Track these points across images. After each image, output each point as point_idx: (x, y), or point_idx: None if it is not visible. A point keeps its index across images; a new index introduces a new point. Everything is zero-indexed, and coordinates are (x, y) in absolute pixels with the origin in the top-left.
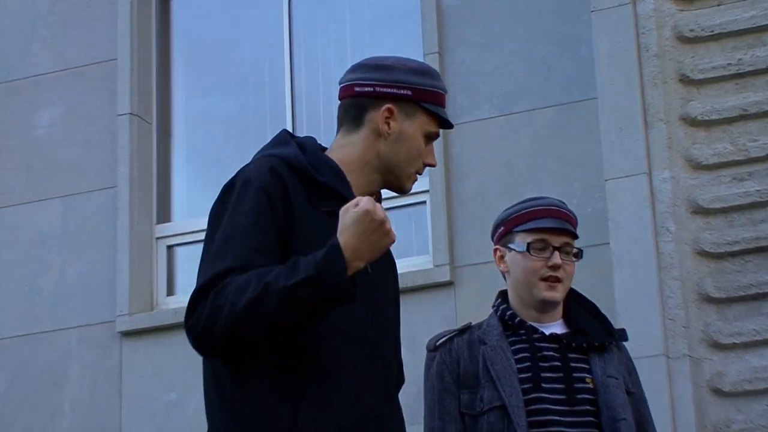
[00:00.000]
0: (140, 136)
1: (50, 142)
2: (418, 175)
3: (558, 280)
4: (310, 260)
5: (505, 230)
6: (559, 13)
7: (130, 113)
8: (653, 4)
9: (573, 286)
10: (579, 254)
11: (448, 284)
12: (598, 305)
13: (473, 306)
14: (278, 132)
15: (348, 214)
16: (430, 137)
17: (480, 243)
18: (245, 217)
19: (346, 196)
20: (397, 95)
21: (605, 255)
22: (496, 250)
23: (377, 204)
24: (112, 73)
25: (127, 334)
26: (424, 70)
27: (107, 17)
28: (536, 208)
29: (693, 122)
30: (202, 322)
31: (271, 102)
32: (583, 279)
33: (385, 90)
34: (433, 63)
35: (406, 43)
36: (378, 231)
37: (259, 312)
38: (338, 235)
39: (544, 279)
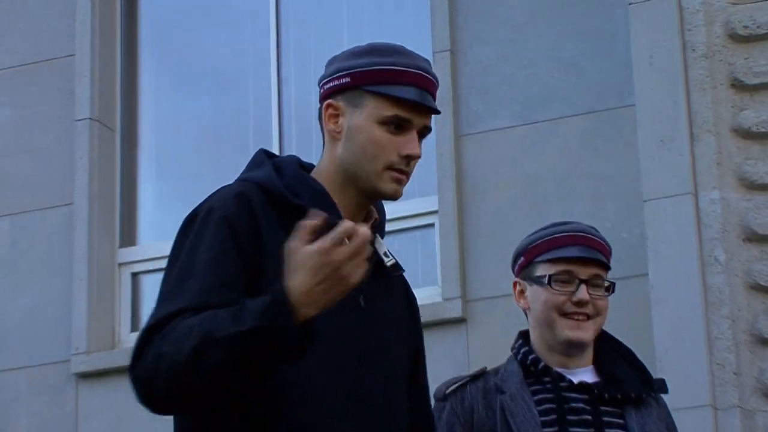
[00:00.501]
0: (101, 144)
1: None
2: (400, 174)
3: (587, 317)
4: (255, 306)
5: (525, 261)
6: (591, 6)
7: (90, 118)
8: None
9: (606, 326)
10: (611, 288)
11: (460, 321)
12: (633, 348)
13: (488, 346)
14: (255, 152)
15: (297, 253)
16: (397, 123)
17: (496, 273)
18: (205, 252)
19: (332, 221)
20: (338, 87)
21: (643, 288)
22: (515, 283)
23: (337, 239)
24: (69, 71)
25: (84, 375)
26: (366, 50)
27: (64, 7)
28: (560, 235)
29: (746, 134)
30: (144, 372)
31: (255, 105)
32: (616, 317)
33: (327, 86)
34: (444, 62)
35: (413, 38)
36: (333, 275)
37: (202, 365)
38: (286, 276)
39: (568, 316)
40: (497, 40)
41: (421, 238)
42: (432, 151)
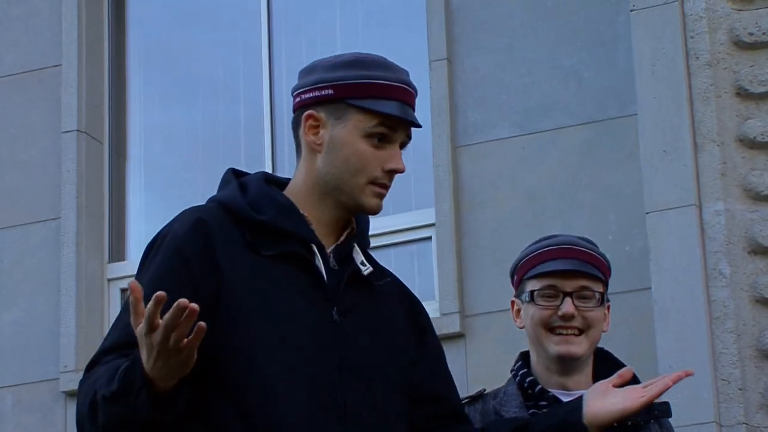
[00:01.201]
0: (89, 156)
1: None
2: (381, 188)
3: (578, 331)
4: (122, 367)
5: (518, 279)
6: (592, 13)
7: (78, 130)
8: (705, 3)
9: (608, 342)
10: (602, 298)
11: (458, 336)
12: (636, 364)
13: (488, 363)
14: (224, 172)
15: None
16: (381, 137)
17: (495, 288)
18: (149, 285)
19: (298, 234)
20: (319, 98)
21: (645, 302)
22: (512, 302)
23: (150, 321)
24: (56, 82)
25: (73, 394)
26: (350, 61)
27: (50, 15)
28: (544, 250)
29: (752, 144)
30: (77, 416)
31: (247, 113)
32: (619, 331)
33: (306, 96)
34: (441, 72)
35: (408, 47)
36: (161, 354)
37: (95, 421)
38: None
39: (556, 331)
40: (495, 48)
41: (417, 251)
42: (428, 163)
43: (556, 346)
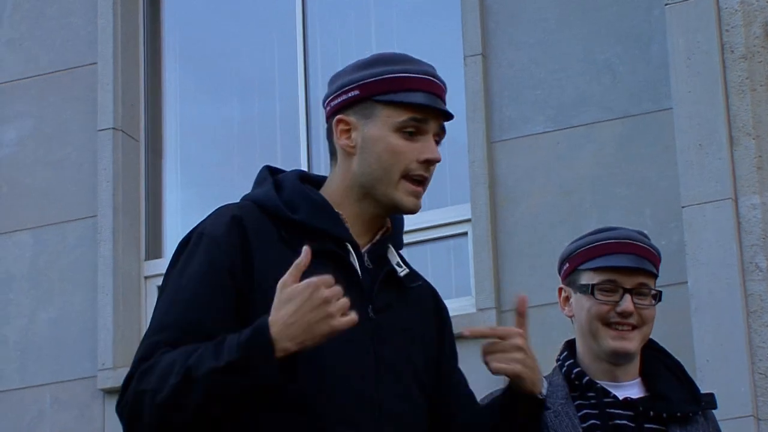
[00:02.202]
0: (125, 154)
1: (17, 163)
2: (417, 185)
3: (632, 327)
4: (234, 340)
5: (570, 267)
6: (626, 7)
7: (114, 128)
8: None
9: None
10: (658, 296)
11: None
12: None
13: None
14: (260, 169)
15: (287, 287)
16: (413, 129)
17: (531, 283)
18: (191, 281)
19: (333, 232)
20: (346, 101)
21: (682, 297)
22: (560, 290)
23: (328, 281)
24: (92, 80)
25: (111, 391)
26: (372, 61)
27: (85, 13)
28: (606, 242)
29: None
30: (128, 408)
31: (282, 110)
32: (655, 326)
33: (335, 102)
34: (476, 66)
35: (443, 42)
36: (317, 310)
37: (184, 402)
38: (272, 310)
39: (612, 326)
40: (530, 43)
41: (453, 247)
42: (464, 158)
43: (612, 341)
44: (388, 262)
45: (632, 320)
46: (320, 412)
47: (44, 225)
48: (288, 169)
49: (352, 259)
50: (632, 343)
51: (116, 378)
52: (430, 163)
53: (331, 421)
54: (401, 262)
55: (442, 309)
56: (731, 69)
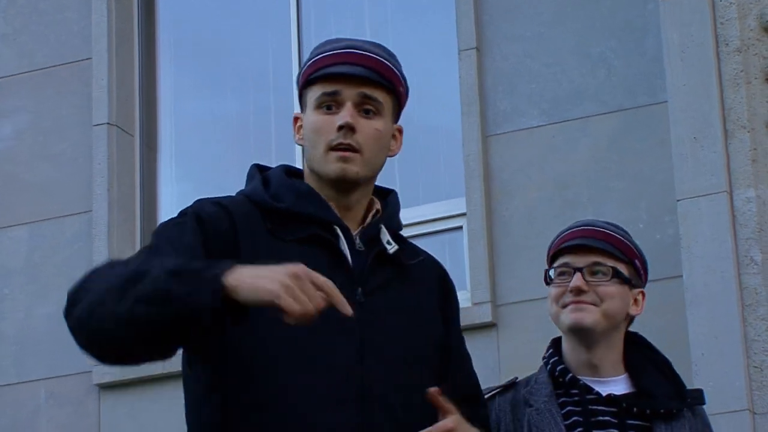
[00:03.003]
0: (120, 149)
1: (13, 157)
2: (342, 151)
3: (591, 304)
4: (208, 263)
5: (549, 265)
6: (620, 1)
7: (108, 123)
8: None
9: (640, 330)
10: (615, 273)
11: (490, 326)
12: (668, 351)
13: (520, 352)
14: (249, 167)
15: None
16: (330, 103)
17: (527, 276)
18: (164, 236)
19: (320, 217)
20: (300, 98)
21: (677, 290)
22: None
23: (315, 276)
24: (87, 75)
25: (106, 386)
26: (313, 53)
27: (80, 9)
28: (565, 233)
29: None
30: (70, 296)
31: (277, 102)
32: (651, 319)
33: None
34: (470, 61)
35: (437, 36)
36: (293, 288)
37: (122, 297)
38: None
39: (568, 306)
40: (524, 36)
41: (448, 241)
42: (459, 152)
43: (568, 314)
44: (379, 242)
45: (587, 298)
46: (303, 398)
47: (40, 220)
48: (283, 164)
49: (340, 244)
50: (589, 315)
51: (112, 373)
52: (343, 129)
53: (314, 406)
54: (392, 240)
55: (446, 285)
56: (726, 62)
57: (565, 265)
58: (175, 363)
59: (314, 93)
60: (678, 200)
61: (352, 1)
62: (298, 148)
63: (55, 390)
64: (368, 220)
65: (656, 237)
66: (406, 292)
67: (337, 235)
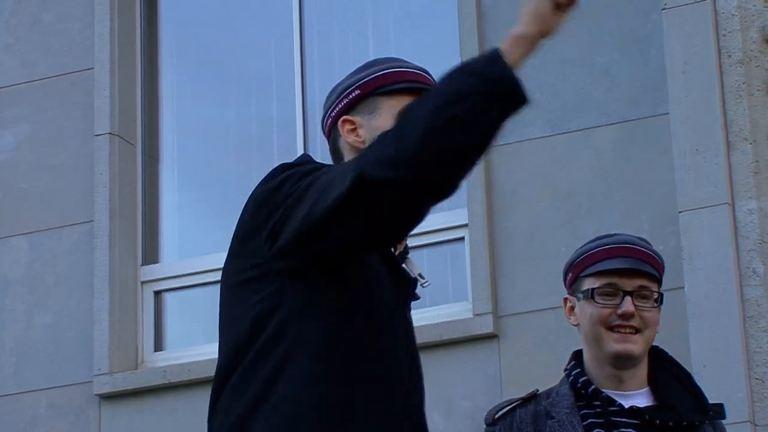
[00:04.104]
0: (122, 159)
1: (14, 167)
2: None
3: (634, 330)
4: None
5: (573, 276)
6: (624, 12)
7: (110, 133)
8: (737, 0)
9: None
10: (660, 299)
11: (491, 337)
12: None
13: (521, 363)
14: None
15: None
16: None
17: (529, 288)
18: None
19: None
20: (348, 104)
21: (679, 302)
22: (566, 299)
23: None
24: (89, 85)
25: (107, 397)
26: (369, 63)
27: (82, 19)
28: (604, 248)
29: None
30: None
31: (279, 110)
32: None
33: (337, 109)
34: None
35: (440, 47)
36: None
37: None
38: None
39: (614, 329)
40: None
41: (450, 252)
42: None
43: (615, 343)
44: (412, 268)
45: (634, 323)
46: (371, 412)
47: (41, 230)
48: None
49: (403, 263)
50: (635, 345)
51: (112, 383)
52: None
53: (379, 418)
54: (422, 274)
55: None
56: (728, 74)
57: (612, 286)
58: (176, 374)
59: (398, 104)
60: (680, 212)
61: (355, 9)
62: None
63: (55, 400)
64: (405, 242)
65: (658, 248)
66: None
67: (393, 253)
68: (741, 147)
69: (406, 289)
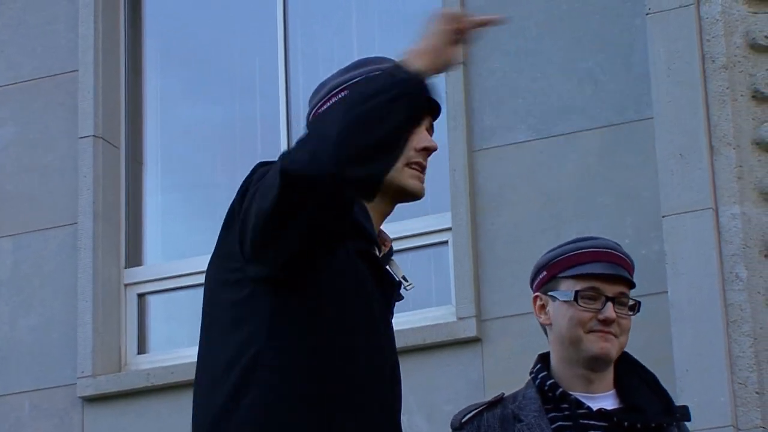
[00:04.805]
0: (106, 162)
1: None
2: (419, 170)
3: (614, 335)
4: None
5: (548, 275)
6: (608, 17)
7: (94, 135)
8: (721, 5)
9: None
10: (636, 307)
11: (474, 341)
12: (653, 368)
13: (504, 367)
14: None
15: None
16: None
17: (512, 292)
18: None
19: (371, 234)
20: None
21: (662, 306)
22: (536, 297)
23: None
24: (73, 87)
25: (91, 399)
26: (359, 63)
27: (67, 21)
28: (586, 251)
29: None
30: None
31: (263, 108)
32: (635, 335)
33: (323, 108)
34: (457, 75)
35: None
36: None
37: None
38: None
39: (594, 333)
40: (511, 51)
41: (434, 256)
42: (445, 167)
43: (595, 344)
44: (396, 271)
45: (612, 329)
46: (351, 414)
47: (25, 232)
48: None
49: (387, 265)
50: (613, 348)
51: (96, 385)
52: (427, 151)
53: (360, 422)
54: (406, 276)
55: None
56: (712, 79)
57: (594, 290)
58: (159, 376)
59: None
60: (663, 216)
61: (339, 10)
62: None
63: (38, 402)
64: (389, 245)
65: (641, 253)
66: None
67: (377, 256)
68: (725, 152)
69: (390, 291)
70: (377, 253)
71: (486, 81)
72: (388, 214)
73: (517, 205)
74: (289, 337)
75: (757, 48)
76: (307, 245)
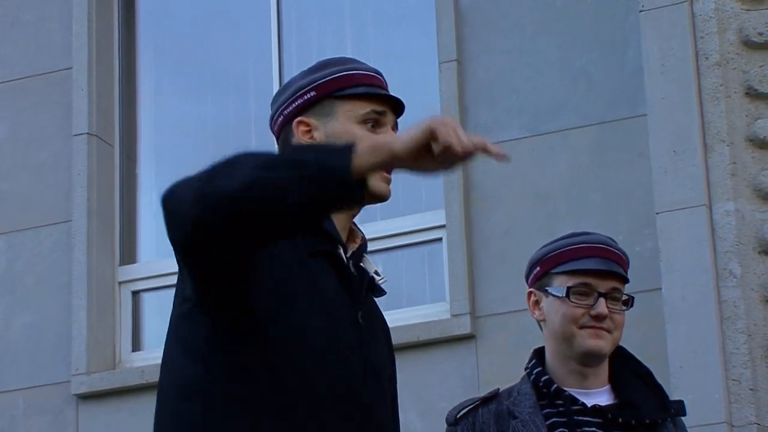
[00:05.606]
0: (100, 160)
1: None
2: (387, 170)
3: (605, 332)
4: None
5: (541, 271)
6: (601, 14)
7: (88, 133)
8: (714, 3)
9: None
10: (629, 302)
11: (469, 338)
12: (647, 364)
13: (498, 364)
14: None
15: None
16: (374, 122)
17: (506, 289)
18: None
19: (332, 233)
20: (302, 104)
21: (656, 303)
22: (530, 293)
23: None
24: (67, 85)
25: (85, 397)
26: (322, 64)
27: (61, 19)
28: (579, 246)
29: (761, 144)
30: (191, 192)
31: (257, 106)
32: (629, 332)
33: (289, 110)
34: (451, 73)
35: (418, 48)
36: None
37: (266, 177)
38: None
39: (586, 329)
40: (505, 49)
41: (428, 253)
42: None
43: (589, 340)
44: (363, 269)
45: (605, 324)
46: (316, 410)
47: (19, 230)
48: None
49: (349, 264)
50: (607, 344)
51: (90, 383)
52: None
53: (325, 419)
54: (378, 271)
55: (386, 324)
56: (705, 76)
57: (587, 286)
58: (153, 374)
59: (357, 110)
60: (657, 213)
61: (333, 8)
62: None
63: (33, 400)
64: (359, 243)
65: (635, 250)
66: (377, 322)
67: (342, 255)
68: (718, 149)
69: (359, 289)
70: (341, 252)
71: (480, 79)
72: (356, 214)
73: (510, 202)
74: (222, 359)
75: (750, 45)
76: (230, 245)
